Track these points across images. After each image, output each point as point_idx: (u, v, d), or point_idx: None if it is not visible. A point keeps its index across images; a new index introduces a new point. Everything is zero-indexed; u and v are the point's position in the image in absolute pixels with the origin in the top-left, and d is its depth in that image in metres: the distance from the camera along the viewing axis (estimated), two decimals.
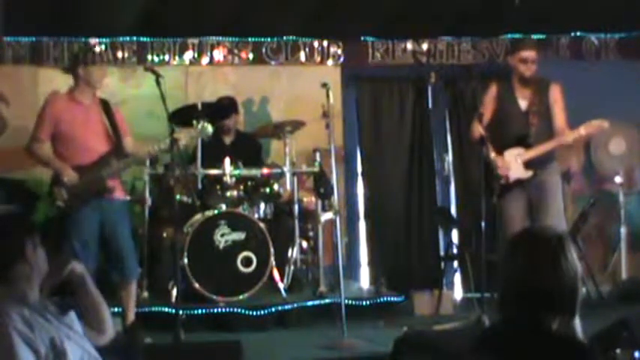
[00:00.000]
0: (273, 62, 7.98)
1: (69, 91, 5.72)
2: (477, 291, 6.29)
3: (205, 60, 7.85)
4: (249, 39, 7.93)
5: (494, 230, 5.81)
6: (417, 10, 7.68)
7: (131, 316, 5.65)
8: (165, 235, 6.72)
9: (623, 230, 7.73)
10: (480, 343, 2.50)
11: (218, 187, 6.62)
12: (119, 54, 7.67)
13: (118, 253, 5.61)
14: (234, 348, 4.55)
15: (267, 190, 6.79)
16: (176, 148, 5.50)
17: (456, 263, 7.64)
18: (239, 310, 6.20)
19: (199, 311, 6.12)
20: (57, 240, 5.32)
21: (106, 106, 5.74)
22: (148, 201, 6.52)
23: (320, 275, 6.76)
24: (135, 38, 7.72)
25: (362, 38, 8.16)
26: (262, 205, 6.83)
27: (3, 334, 2.69)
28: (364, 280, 7.98)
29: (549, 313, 2.41)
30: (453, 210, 8.17)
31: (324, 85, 5.80)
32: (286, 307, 6.35)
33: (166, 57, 7.77)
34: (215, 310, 6.20)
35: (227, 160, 6.55)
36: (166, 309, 6.01)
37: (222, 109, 7.12)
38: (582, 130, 5.92)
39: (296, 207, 6.81)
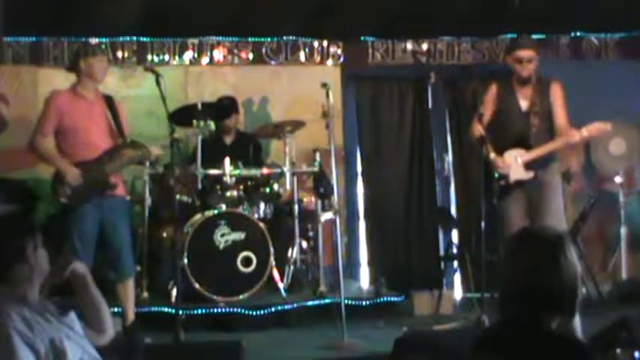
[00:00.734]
0: (273, 62, 7.98)
1: (72, 87, 5.70)
2: (477, 291, 6.28)
3: (205, 60, 7.86)
4: (249, 39, 7.93)
5: (494, 230, 5.80)
6: (417, 10, 7.67)
7: (131, 316, 5.65)
8: (165, 235, 6.73)
9: (623, 230, 7.73)
10: (480, 343, 2.50)
11: (218, 187, 6.62)
12: (119, 54, 7.67)
13: (115, 251, 5.61)
14: (234, 348, 4.55)
15: (267, 190, 6.80)
16: (176, 148, 5.50)
17: (455, 263, 7.64)
18: (239, 310, 6.20)
19: (199, 311, 6.11)
20: (59, 240, 5.32)
21: (109, 101, 5.74)
22: (148, 201, 6.52)
23: (320, 275, 6.76)
24: (135, 38, 7.73)
25: (362, 38, 8.16)
26: (262, 205, 6.83)
27: (3, 334, 2.69)
28: (364, 280, 7.98)
29: (549, 313, 2.42)
30: (453, 210, 8.17)
31: (324, 85, 5.79)
32: (286, 307, 6.35)
33: (166, 57, 7.78)
34: (215, 310, 6.20)
35: (227, 160, 6.56)
36: (166, 309, 6.01)
37: (222, 109, 7.12)
38: (585, 132, 5.89)
39: (296, 207, 6.81)
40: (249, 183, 6.74)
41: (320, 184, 6.40)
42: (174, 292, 5.87)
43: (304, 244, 7.05)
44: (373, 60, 8.18)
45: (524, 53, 5.94)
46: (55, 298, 3.02)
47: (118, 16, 7.40)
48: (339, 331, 5.57)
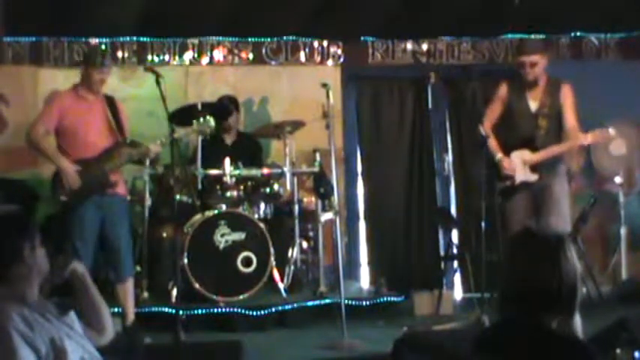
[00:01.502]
0: (273, 62, 7.97)
1: (73, 87, 5.77)
2: (477, 291, 6.29)
3: (205, 60, 7.85)
4: (249, 39, 7.93)
5: (494, 230, 5.80)
6: (417, 10, 7.68)
7: (131, 316, 5.65)
8: (165, 235, 6.73)
9: (623, 230, 7.73)
10: (479, 343, 2.50)
11: (218, 187, 6.62)
12: (119, 54, 7.66)
13: (115, 251, 5.62)
14: (234, 348, 4.55)
15: (267, 190, 6.80)
16: (176, 148, 5.50)
17: (456, 263, 7.65)
18: (239, 310, 6.20)
19: (199, 311, 6.11)
20: (58, 239, 5.32)
21: (110, 101, 5.77)
22: (148, 201, 6.52)
23: (320, 275, 6.76)
24: (135, 38, 7.72)
25: (362, 38, 8.16)
26: (262, 205, 6.83)
27: (3, 334, 2.69)
28: (364, 280, 7.98)
29: (549, 313, 2.42)
30: (453, 210, 8.17)
31: (324, 85, 5.79)
32: (286, 307, 6.35)
33: (166, 57, 7.77)
34: (215, 310, 6.20)
35: (227, 160, 6.56)
36: (166, 309, 6.01)
37: (222, 108, 7.12)
38: (590, 138, 5.89)
39: (296, 207, 6.81)
40: (249, 183, 6.74)
41: (320, 184, 6.40)
42: (174, 292, 5.87)
43: (304, 244, 7.05)
44: (373, 60, 8.17)
45: (527, 58, 5.89)
46: (55, 298, 3.02)
47: (118, 16, 7.40)
48: (339, 331, 5.57)
